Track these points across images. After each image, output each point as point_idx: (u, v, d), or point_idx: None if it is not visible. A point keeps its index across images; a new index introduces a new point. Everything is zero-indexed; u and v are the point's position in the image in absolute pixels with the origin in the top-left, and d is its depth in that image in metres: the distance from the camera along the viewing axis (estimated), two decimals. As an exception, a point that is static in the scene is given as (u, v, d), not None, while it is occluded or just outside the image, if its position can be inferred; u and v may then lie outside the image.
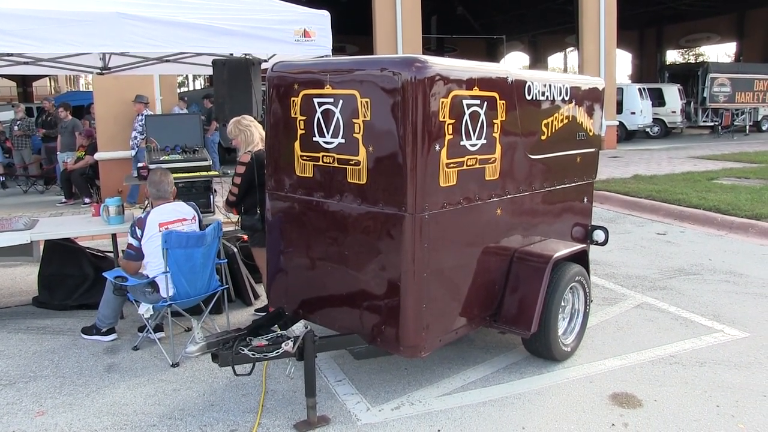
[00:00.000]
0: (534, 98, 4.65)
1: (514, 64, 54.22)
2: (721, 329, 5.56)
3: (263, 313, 5.69)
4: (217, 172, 6.76)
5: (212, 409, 4.28)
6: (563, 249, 4.75)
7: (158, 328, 5.44)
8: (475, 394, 4.41)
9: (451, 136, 3.91)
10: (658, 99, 26.63)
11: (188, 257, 4.95)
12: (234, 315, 5.90)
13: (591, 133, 5.47)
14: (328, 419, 4.10)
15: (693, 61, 44.40)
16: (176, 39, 5.40)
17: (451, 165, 3.95)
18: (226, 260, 5.58)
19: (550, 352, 4.74)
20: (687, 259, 7.87)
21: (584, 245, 5.05)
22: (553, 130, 4.92)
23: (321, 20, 6.04)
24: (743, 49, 42.40)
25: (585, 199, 5.61)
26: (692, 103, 28.20)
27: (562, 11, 33.39)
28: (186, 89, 42.75)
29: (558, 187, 5.10)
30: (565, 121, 5.06)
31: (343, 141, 4.09)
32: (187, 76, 47.95)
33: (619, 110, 23.90)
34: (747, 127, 29.13)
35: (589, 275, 5.13)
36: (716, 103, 28.05)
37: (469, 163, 4.08)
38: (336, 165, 4.16)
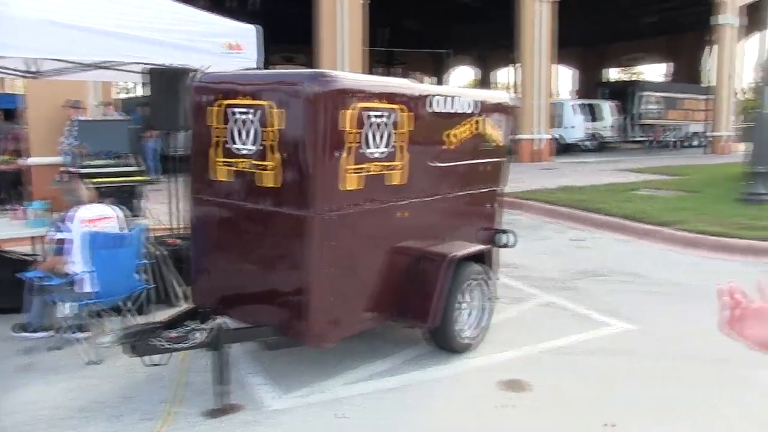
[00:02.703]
0: (439, 111, 5.05)
1: (460, 78, 55.22)
2: (613, 323, 6.07)
3: None
4: (146, 178, 7.02)
5: (129, 401, 4.51)
6: (462, 249, 5.15)
7: (80, 329, 5.59)
8: (379, 383, 4.77)
9: (355, 144, 4.28)
10: (593, 114, 27.62)
11: (112, 257, 5.20)
12: (160, 316, 6.12)
13: (498, 144, 5.89)
14: (239, 406, 4.40)
15: (630, 79, 45.86)
16: (106, 47, 5.62)
17: (355, 171, 4.31)
18: (151, 261, 5.83)
19: (450, 345, 5.14)
20: (596, 263, 8.40)
21: (485, 247, 5.45)
22: (459, 141, 5.32)
23: (249, 34, 6.36)
24: (675, 69, 44.06)
25: (492, 205, 6.02)
26: (626, 118, 29.31)
27: (508, 28, 34.27)
28: (134, 95, 42.32)
29: (463, 193, 5.51)
30: (471, 132, 5.47)
31: (257, 148, 4.41)
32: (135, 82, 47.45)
33: (557, 124, 24.69)
34: (676, 142, 30.39)
35: (491, 275, 5.55)
36: (648, 119, 29.23)
37: (372, 170, 4.46)
38: (251, 170, 4.48)
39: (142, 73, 6.79)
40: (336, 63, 17.53)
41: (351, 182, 4.29)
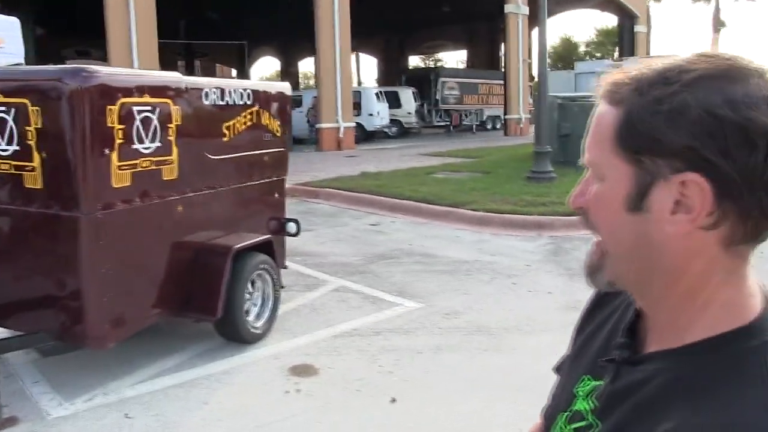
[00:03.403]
0: (212, 103, 5.08)
1: (264, 69, 55.05)
2: (401, 303, 6.38)
3: None
4: None
5: None
6: (244, 240, 5.24)
7: None
8: (167, 380, 4.75)
9: (122, 140, 4.22)
10: (395, 101, 28.55)
11: None
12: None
13: (278, 134, 6.01)
14: (16, 419, 4.22)
15: (429, 66, 47.92)
16: None
17: (124, 167, 4.25)
18: None
19: (239, 335, 5.21)
20: (390, 246, 8.78)
21: (267, 237, 5.55)
22: (236, 132, 5.38)
23: (10, 27, 6.02)
24: (472, 56, 46.60)
25: (276, 194, 6.13)
26: (426, 104, 30.59)
27: (308, 17, 34.44)
28: None
29: (245, 184, 5.58)
30: (249, 123, 5.54)
31: (18, 148, 4.23)
32: None
33: (358, 112, 25.31)
34: (474, 126, 32.18)
35: (277, 264, 5.67)
36: (447, 104, 30.73)
37: (143, 165, 4.41)
38: (13, 171, 4.28)
39: None
40: (128, 56, 16.89)
41: (120, 179, 4.23)
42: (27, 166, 4.20)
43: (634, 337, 0.98)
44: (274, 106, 5.92)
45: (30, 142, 4.16)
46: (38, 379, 4.83)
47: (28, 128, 4.15)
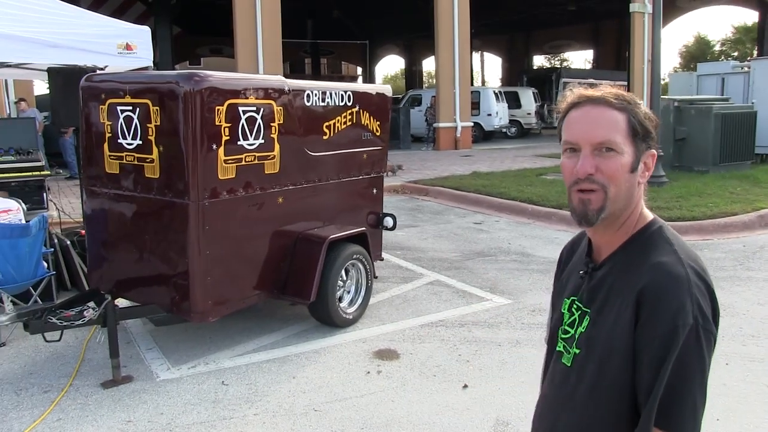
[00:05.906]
0: (314, 104, 5.53)
1: (387, 67, 55.70)
2: (490, 298, 6.61)
3: None
4: (46, 173, 7.29)
5: (30, 377, 4.91)
6: (339, 232, 5.65)
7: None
8: (263, 355, 5.25)
9: (228, 137, 4.72)
10: (514, 101, 28.45)
11: (13, 246, 5.52)
12: (66, 301, 6.48)
13: (377, 133, 6.39)
14: (132, 377, 4.84)
15: (551, 66, 47.17)
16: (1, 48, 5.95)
17: (229, 161, 4.76)
18: (51, 249, 6.17)
19: (331, 319, 5.63)
20: (490, 244, 8.99)
21: (361, 229, 5.93)
22: (336, 131, 5.81)
23: (142, 35, 6.73)
24: (599, 56, 45.54)
25: (374, 190, 6.52)
26: (547, 105, 30.25)
27: (431, 18, 34.83)
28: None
29: (343, 179, 6.00)
30: (349, 123, 5.96)
31: (140, 142, 4.82)
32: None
33: (477, 112, 25.45)
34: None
35: (371, 255, 6.06)
36: (569, 105, 30.22)
37: (247, 160, 4.91)
38: (136, 163, 4.89)
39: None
40: (254, 54, 17.81)
41: (225, 172, 4.74)
42: (147, 158, 4.79)
43: (591, 256, 1.68)
44: (374, 106, 6.30)
45: (150, 138, 4.74)
46: (152, 346, 5.46)
47: (149, 125, 4.73)
